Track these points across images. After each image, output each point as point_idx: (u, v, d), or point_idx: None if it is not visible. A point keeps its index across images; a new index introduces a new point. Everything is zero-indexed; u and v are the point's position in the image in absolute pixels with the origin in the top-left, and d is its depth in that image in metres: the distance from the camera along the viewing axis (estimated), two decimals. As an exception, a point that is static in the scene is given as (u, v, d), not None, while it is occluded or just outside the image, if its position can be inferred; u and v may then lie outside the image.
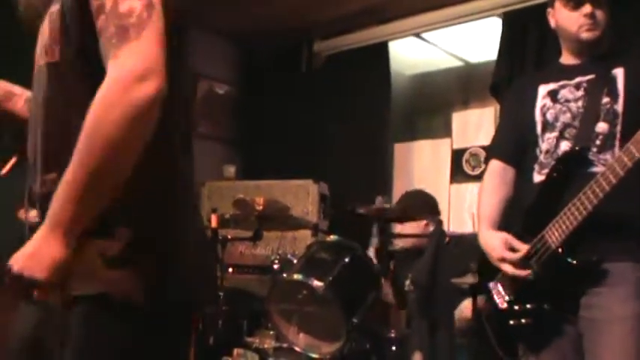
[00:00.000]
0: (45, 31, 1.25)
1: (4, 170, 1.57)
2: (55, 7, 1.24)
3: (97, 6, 1.13)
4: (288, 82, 5.06)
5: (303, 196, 4.35)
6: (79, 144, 1.08)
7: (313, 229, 3.93)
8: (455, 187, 4.83)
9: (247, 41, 5.14)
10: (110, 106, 1.06)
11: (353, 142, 4.70)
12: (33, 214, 1.25)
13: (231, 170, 4.93)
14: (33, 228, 1.17)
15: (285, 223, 3.73)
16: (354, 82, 4.79)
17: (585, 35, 2.11)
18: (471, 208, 4.35)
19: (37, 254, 1.10)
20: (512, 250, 2.10)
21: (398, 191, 4.63)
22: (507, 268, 2.10)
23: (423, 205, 3.51)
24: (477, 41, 4.72)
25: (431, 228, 3.45)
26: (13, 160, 1.57)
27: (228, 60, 5.24)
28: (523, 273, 2.06)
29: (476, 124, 4.77)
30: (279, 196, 4.17)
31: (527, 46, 3.98)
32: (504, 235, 2.14)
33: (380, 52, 4.79)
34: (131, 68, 1.07)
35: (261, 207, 3.42)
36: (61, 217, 1.10)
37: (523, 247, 2.07)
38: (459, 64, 5.11)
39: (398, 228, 3.53)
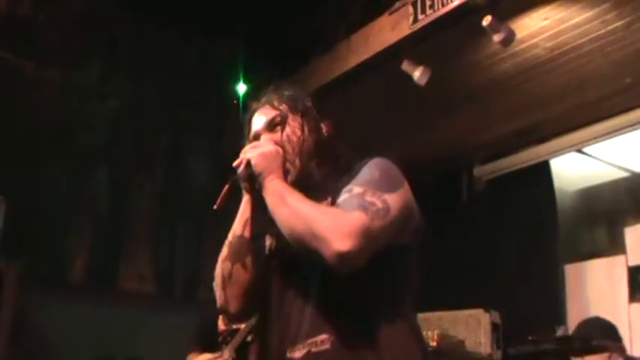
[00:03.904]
0: None
1: (218, 203, 1.74)
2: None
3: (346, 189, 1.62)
4: (450, 210, 5.67)
5: (474, 327, 4.78)
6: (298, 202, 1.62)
7: (487, 362, 4.24)
8: (635, 306, 5.04)
9: (407, 170, 5.70)
10: (323, 226, 1.53)
11: (521, 267, 5.14)
12: None
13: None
14: None
15: (460, 358, 4.21)
16: (518, 204, 5.33)
17: None
18: (656, 330, 4.68)
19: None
20: None
21: (573, 317, 5.04)
22: None
23: (603, 333, 3.74)
24: (642, 149, 5.11)
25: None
26: (225, 190, 1.76)
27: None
28: None
29: (651, 239, 5.07)
30: (449, 327, 4.65)
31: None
32: None
33: (542, 170, 5.38)
34: (353, 228, 1.51)
35: (435, 343, 4.00)
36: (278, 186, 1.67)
37: None
38: (626, 174, 5.52)
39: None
